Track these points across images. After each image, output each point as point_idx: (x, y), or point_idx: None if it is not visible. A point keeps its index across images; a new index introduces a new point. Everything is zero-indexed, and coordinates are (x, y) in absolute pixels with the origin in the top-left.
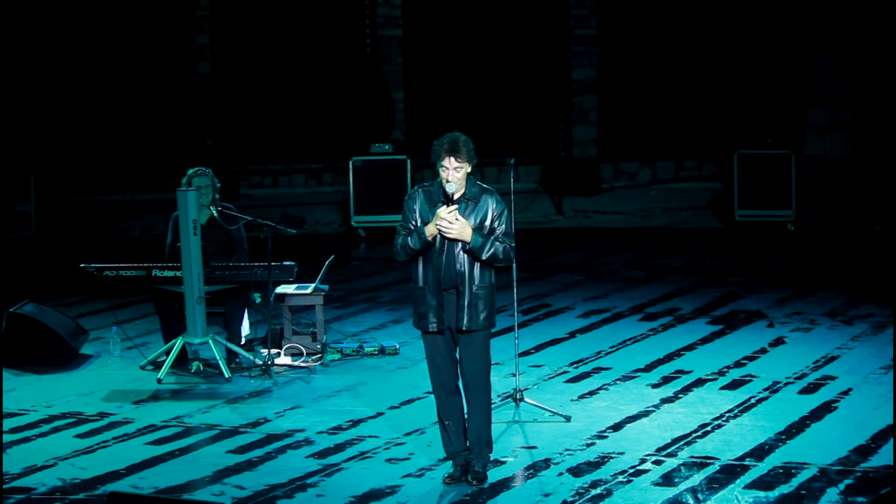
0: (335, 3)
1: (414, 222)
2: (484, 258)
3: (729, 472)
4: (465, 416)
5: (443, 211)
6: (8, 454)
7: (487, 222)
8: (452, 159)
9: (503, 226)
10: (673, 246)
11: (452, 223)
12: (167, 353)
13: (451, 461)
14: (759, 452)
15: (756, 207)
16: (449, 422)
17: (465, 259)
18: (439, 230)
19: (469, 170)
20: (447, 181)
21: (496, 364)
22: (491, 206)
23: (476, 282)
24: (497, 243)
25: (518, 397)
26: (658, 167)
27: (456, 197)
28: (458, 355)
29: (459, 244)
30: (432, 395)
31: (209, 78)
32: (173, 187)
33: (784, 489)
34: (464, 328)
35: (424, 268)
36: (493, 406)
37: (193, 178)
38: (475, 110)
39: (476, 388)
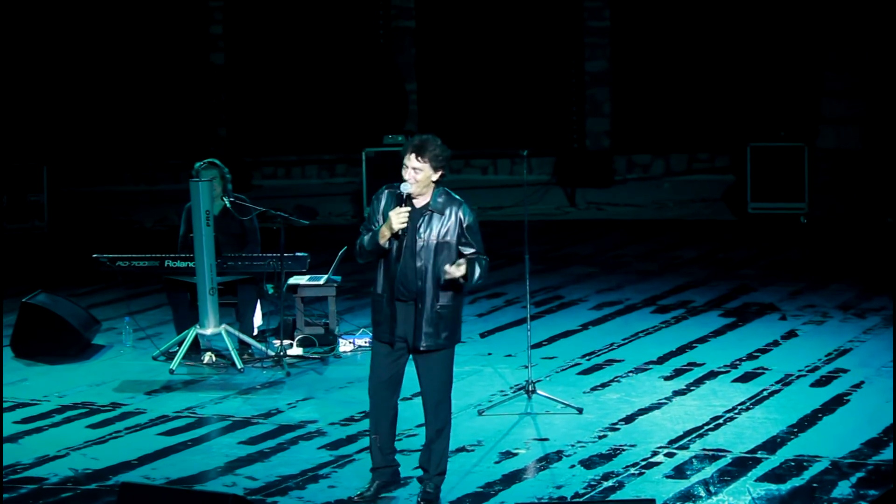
0: None
1: (376, 223)
2: (477, 281)
3: (741, 465)
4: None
5: (393, 213)
6: (20, 444)
7: (451, 237)
8: (414, 157)
9: (477, 241)
10: (685, 238)
11: (393, 225)
12: (180, 343)
13: (371, 475)
14: (771, 445)
15: (769, 200)
16: (375, 436)
17: (427, 271)
18: (392, 233)
19: (434, 177)
20: (404, 180)
21: (509, 356)
22: (458, 219)
23: (439, 299)
24: (485, 265)
25: (530, 389)
26: (671, 159)
27: (415, 201)
28: (417, 373)
29: (418, 253)
30: None
31: (222, 69)
32: (186, 178)
33: (796, 482)
34: (421, 348)
35: (384, 274)
36: (505, 399)
37: (202, 172)
38: (488, 102)
39: (433, 411)
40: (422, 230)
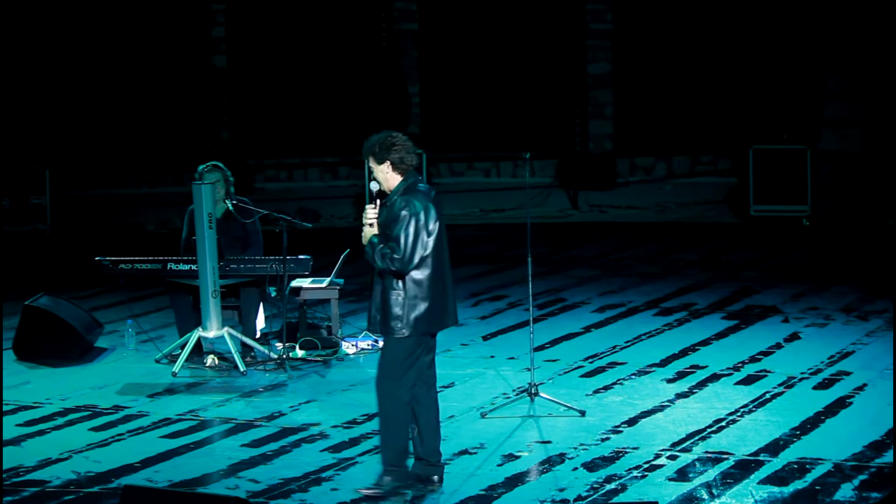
0: None
1: None
2: (375, 265)
3: (743, 468)
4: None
5: (365, 211)
6: (22, 447)
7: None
8: (367, 161)
9: (396, 231)
10: (688, 241)
11: (364, 224)
12: (182, 346)
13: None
14: (774, 448)
15: (771, 202)
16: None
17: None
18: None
19: (387, 170)
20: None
21: (511, 359)
22: (395, 209)
23: (380, 285)
24: (381, 250)
25: (533, 392)
26: (673, 162)
27: (382, 197)
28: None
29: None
30: (447, 390)
31: (225, 71)
32: (189, 181)
33: (798, 484)
34: (366, 329)
35: None
36: (508, 402)
37: (204, 174)
38: (490, 104)
39: (377, 393)
40: (379, 220)
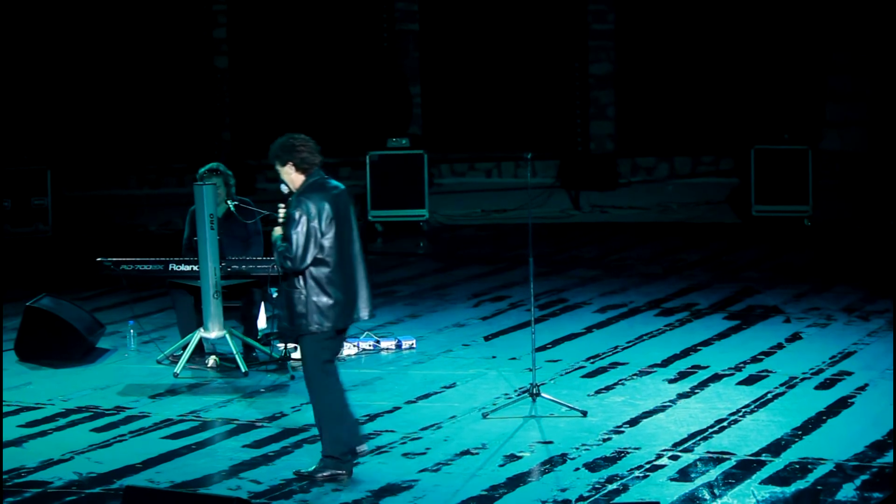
0: None
1: None
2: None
3: (745, 468)
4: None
5: (278, 212)
6: (24, 448)
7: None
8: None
9: (288, 231)
10: (690, 241)
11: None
12: (184, 347)
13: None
14: (776, 448)
15: (773, 203)
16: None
17: None
18: None
19: (290, 172)
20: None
21: (513, 359)
22: (290, 209)
23: (283, 284)
24: (278, 249)
25: (534, 392)
26: (675, 162)
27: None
28: None
29: None
30: (449, 390)
31: (226, 72)
32: (190, 182)
33: (800, 484)
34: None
35: None
36: (510, 402)
37: (205, 177)
38: (492, 105)
39: (310, 395)
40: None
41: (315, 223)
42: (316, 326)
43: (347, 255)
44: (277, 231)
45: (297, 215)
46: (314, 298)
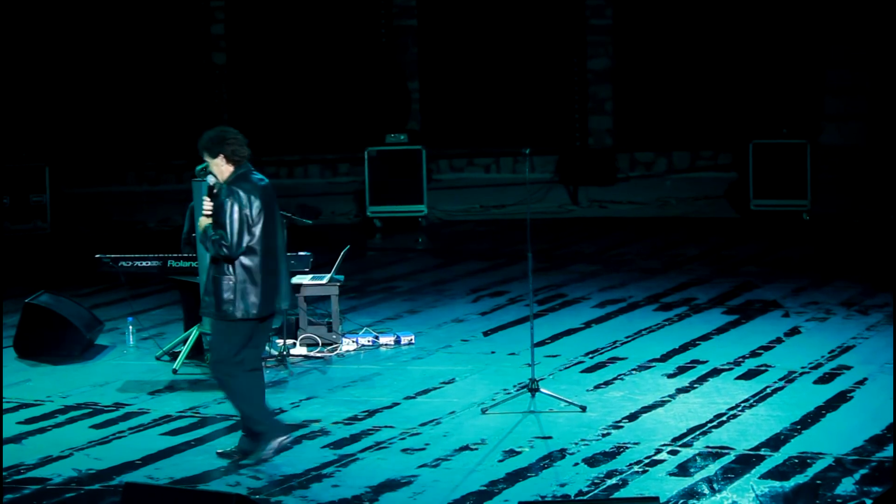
0: None
1: None
2: (209, 251)
3: (744, 462)
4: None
5: (203, 202)
6: (23, 445)
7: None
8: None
9: (222, 219)
10: (688, 236)
11: (203, 215)
12: (183, 343)
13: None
14: (775, 442)
15: (771, 197)
16: None
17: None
18: None
19: (220, 164)
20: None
21: (512, 354)
22: (220, 197)
23: (212, 271)
24: (212, 237)
25: (533, 387)
26: (674, 157)
27: (215, 190)
28: None
29: None
30: (448, 386)
31: (224, 68)
32: (189, 178)
33: (800, 479)
34: (200, 313)
35: None
36: (508, 397)
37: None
38: (490, 100)
39: (216, 376)
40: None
41: (247, 211)
42: (242, 313)
43: (272, 247)
44: (204, 221)
45: (229, 204)
46: (242, 286)
